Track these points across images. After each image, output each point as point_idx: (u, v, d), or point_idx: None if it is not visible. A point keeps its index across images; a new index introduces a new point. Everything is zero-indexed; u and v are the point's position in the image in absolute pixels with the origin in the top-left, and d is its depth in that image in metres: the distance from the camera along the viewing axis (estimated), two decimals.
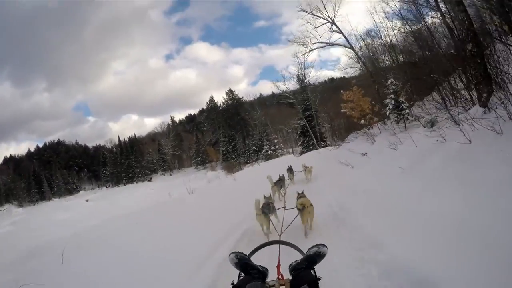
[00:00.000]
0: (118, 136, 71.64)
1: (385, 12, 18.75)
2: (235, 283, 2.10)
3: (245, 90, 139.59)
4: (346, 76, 29.68)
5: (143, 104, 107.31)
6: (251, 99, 66.64)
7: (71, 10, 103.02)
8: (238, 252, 2.35)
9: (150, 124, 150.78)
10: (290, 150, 49.97)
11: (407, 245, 3.87)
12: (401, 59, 17.74)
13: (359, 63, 22.23)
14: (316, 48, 25.02)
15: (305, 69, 39.25)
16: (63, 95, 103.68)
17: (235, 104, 64.61)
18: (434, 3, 12.02)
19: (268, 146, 46.81)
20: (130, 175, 64.57)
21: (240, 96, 66.61)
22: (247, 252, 2.40)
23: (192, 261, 4.94)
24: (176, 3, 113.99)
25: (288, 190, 9.87)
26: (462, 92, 9.15)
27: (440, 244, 3.58)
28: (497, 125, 5.03)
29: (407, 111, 13.01)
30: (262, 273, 2.23)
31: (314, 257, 2.28)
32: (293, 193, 6.87)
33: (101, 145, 77.43)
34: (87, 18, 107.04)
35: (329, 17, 22.75)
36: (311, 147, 37.83)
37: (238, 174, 25.48)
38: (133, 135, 74.82)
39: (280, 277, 2.26)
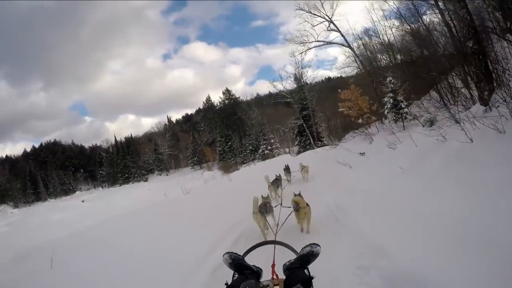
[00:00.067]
0: (115, 136, 71.75)
1: (383, 10, 18.76)
2: (229, 283, 2.11)
3: (242, 90, 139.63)
4: (343, 75, 29.69)
5: (140, 103, 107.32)
6: (248, 98, 66.82)
7: (68, 10, 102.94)
8: (232, 252, 2.36)
9: (147, 124, 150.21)
10: (287, 149, 49.72)
11: (407, 246, 3.83)
12: (399, 58, 17.73)
13: (356, 62, 22.15)
14: (314, 47, 24.89)
15: (302, 68, 39.31)
16: (60, 94, 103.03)
17: (232, 104, 64.61)
18: (432, 1, 11.94)
19: (264, 146, 46.71)
20: (126, 175, 64.32)
21: (237, 96, 66.82)
22: (241, 253, 2.41)
23: (189, 262, 4.89)
24: (173, 3, 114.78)
25: (285, 190, 9.79)
26: (462, 90, 9.06)
27: (441, 245, 3.53)
28: (499, 124, 4.93)
29: (405, 110, 12.90)
30: (256, 273, 2.26)
31: (308, 256, 2.29)
32: (290, 193, 6.80)
33: (98, 145, 76.96)
34: (84, 17, 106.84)
35: (326, 15, 22.61)
36: (308, 146, 37.81)
37: (234, 174, 25.35)
38: (130, 135, 74.47)
39: (274, 277, 2.25)
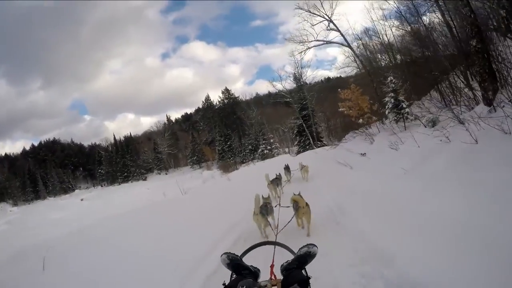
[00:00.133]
0: (114, 135, 71.53)
1: (382, 10, 18.67)
2: (226, 284, 2.13)
3: (242, 89, 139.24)
4: (343, 75, 29.64)
5: (139, 103, 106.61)
6: (247, 98, 66.58)
7: (67, 10, 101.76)
8: (230, 252, 2.37)
9: (146, 123, 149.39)
10: (286, 149, 49.64)
11: (408, 246, 3.81)
12: (399, 57, 17.64)
13: (356, 62, 22.07)
14: (313, 46, 24.95)
15: (301, 68, 39.38)
16: (59, 93, 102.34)
17: (231, 103, 64.52)
18: (433, 0, 11.86)
19: (264, 146, 46.64)
20: (125, 174, 64.28)
21: (237, 95, 66.69)
22: (239, 253, 2.42)
23: (188, 262, 4.86)
24: (172, 3, 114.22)
25: (284, 190, 9.77)
26: (466, 90, 8.97)
27: (441, 246, 3.51)
28: (505, 125, 4.87)
29: (406, 110, 12.77)
30: (253, 273, 2.27)
31: (305, 257, 2.30)
32: (289, 192, 6.75)
33: (97, 144, 76.66)
34: (83, 17, 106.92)
35: (326, 14, 22.63)
36: (307, 146, 37.82)
37: (233, 174, 25.21)
38: (129, 134, 74.43)
39: (272, 277, 2.24)
